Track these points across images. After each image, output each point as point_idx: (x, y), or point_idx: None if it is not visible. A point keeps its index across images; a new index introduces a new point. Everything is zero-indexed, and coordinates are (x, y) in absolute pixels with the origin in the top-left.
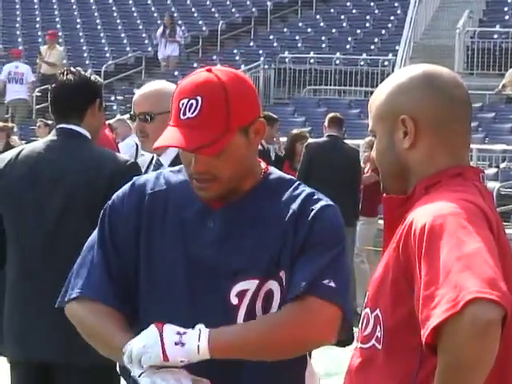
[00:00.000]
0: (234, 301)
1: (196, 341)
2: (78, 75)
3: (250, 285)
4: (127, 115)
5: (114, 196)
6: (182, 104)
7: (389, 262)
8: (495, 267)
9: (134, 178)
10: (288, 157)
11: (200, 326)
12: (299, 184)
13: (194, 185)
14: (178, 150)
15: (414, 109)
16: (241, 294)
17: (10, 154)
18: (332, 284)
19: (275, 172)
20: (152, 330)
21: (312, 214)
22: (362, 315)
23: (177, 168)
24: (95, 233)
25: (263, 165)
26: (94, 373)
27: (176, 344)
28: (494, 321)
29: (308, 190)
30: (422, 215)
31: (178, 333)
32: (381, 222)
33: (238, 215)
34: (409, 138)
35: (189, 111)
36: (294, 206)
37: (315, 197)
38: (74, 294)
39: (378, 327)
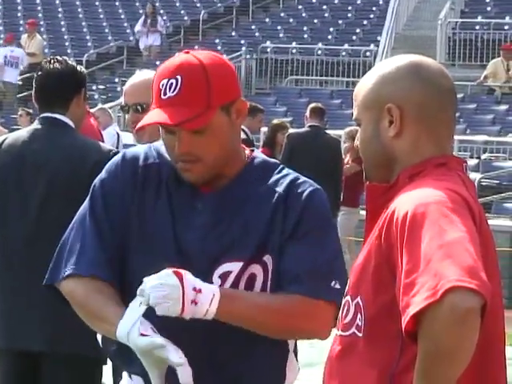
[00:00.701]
0: (217, 282)
1: (208, 304)
2: (65, 64)
3: (234, 267)
4: (108, 104)
5: (105, 169)
6: (162, 85)
7: (371, 249)
8: (476, 256)
9: (124, 151)
10: (268, 146)
11: (215, 289)
12: (283, 168)
13: (179, 167)
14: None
15: (400, 98)
16: (224, 276)
17: None
18: (337, 286)
19: (260, 156)
20: (171, 277)
21: (302, 197)
22: (343, 303)
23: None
24: (85, 207)
25: (247, 151)
26: (80, 362)
27: (191, 302)
28: (472, 309)
29: (292, 173)
30: (404, 203)
31: (194, 289)
32: (362, 212)
33: (226, 200)
34: (394, 126)
35: (169, 91)
36: (280, 188)
37: (301, 180)
38: (68, 271)
39: (359, 315)
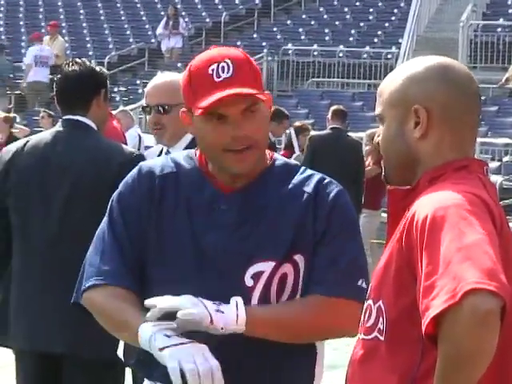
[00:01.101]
0: (249, 282)
1: (234, 310)
2: (84, 65)
3: (266, 267)
4: (129, 106)
5: (122, 183)
6: (212, 69)
7: (392, 252)
8: (495, 258)
9: (140, 163)
10: (290, 149)
11: (236, 299)
12: (305, 169)
13: (227, 159)
14: (189, 140)
15: (427, 99)
16: (256, 276)
17: (15, 146)
18: (364, 285)
19: (281, 158)
20: (186, 296)
21: (330, 197)
22: (365, 307)
23: (184, 152)
24: (104, 222)
25: (269, 153)
26: (101, 365)
27: (217, 311)
28: (492, 311)
29: (317, 173)
30: (424, 206)
31: (214, 303)
32: (383, 215)
33: (251, 199)
34: (420, 128)
35: (223, 72)
36: (308, 188)
37: (327, 180)
38: (88, 283)
39: (381, 318)
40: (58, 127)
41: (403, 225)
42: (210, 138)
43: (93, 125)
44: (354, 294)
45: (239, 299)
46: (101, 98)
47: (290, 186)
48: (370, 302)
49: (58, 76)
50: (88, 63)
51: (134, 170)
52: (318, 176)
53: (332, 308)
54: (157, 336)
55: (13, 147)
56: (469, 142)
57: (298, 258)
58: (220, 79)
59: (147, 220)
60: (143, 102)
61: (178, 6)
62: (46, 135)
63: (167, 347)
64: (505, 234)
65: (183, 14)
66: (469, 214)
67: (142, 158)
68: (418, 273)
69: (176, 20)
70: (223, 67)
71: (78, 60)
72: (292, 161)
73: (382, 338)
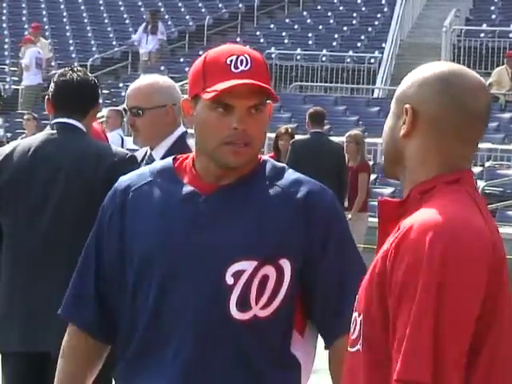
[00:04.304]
0: (230, 281)
1: None
2: (86, 75)
3: (248, 266)
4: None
5: (106, 199)
6: (231, 60)
7: (375, 267)
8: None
9: (120, 179)
10: (275, 152)
11: None
12: (293, 171)
13: (225, 150)
14: (171, 142)
15: (419, 103)
16: (237, 274)
17: (5, 150)
18: None
19: (269, 159)
20: None
21: (325, 205)
22: (352, 319)
23: (161, 161)
24: (90, 237)
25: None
26: None
27: None
28: None
29: (305, 177)
30: (411, 242)
31: None
32: (371, 219)
33: (235, 197)
34: (405, 126)
35: (241, 65)
36: (298, 193)
37: (318, 185)
38: (63, 313)
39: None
40: (50, 130)
41: (389, 246)
42: (211, 127)
43: (84, 128)
44: None
45: None
46: (96, 110)
47: (277, 188)
48: (356, 314)
49: (60, 79)
50: (89, 74)
51: (113, 188)
52: (308, 180)
53: None
54: None
55: (3, 150)
56: (460, 155)
57: (283, 262)
58: (238, 70)
59: (120, 234)
60: (125, 105)
61: (162, 9)
62: (37, 138)
63: None
64: (497, 256)
65: (166, 17)
66: (447, 289)
67: (134, 158)
68: (392, 309)
69: (154, 24)
70: (242, 60)
71: (80, 68)
72: (279, 163)
73: (361, 351)
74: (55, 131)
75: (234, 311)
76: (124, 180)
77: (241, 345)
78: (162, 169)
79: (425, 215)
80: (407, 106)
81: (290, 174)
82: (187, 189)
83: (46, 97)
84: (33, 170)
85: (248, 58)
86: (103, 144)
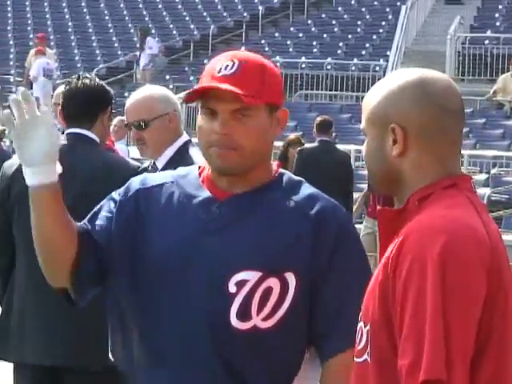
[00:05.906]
0: (232, 289)
1: None
2: (94, 81)
3: (252, 276)
4: (117, 118)
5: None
6: (218, 66)
7: (378, 276)
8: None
9: (141, 176)
10: (282, 161)
11: None
12: (309, 186)
13: (212, 153)
14: (174, 151)
15: (403, 119)
16: (240, 284)
17: (16, 161)
18: None
19: (286, 173)
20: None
21: (335, 223)
22: (358, 329)
23: (188, 167)
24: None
25: (275, 166)
26: (106, 376)
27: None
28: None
29: (318, 192)
30: (410, 249)
31: None
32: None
33: (246, 207)
34: (397, 146)
35: (225, 69)
36: (312, 210)
37: (332, 203)
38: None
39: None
40: (62, 140)
41: (390, 253)
42: (202, 131)
43: (97, 139)
44: None
45: None
46: (106, 115)
47: (291, 201)
48: (362, 324)
49: (66, 88)
50: (97, 80)
51: (137, 179)
52: (323, 197)
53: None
54: None
55: (14, 162)
56: (451, 157)
57: (288, 275)
58: (219, 74)
59: (135, 222)
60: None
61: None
62: None
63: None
64: (496, 258)
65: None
66: (448, 292)
67: (146, 171)
68: (395, 318)
69: (143, 40)
70: (227, 65)
71: (88, 75)
72: (296, 177)
73: (369, 361)
74: (66, 141)
75: (234, 320)
76: (148, 176)
77: (234, 353)
78: (185, 173)
79: (423, 221)
80: (393, 125)
81: (306, 189)
82: (205, 194)
83: (58, 109)
84: None
85: (236, 63)
86: (116, 156)
